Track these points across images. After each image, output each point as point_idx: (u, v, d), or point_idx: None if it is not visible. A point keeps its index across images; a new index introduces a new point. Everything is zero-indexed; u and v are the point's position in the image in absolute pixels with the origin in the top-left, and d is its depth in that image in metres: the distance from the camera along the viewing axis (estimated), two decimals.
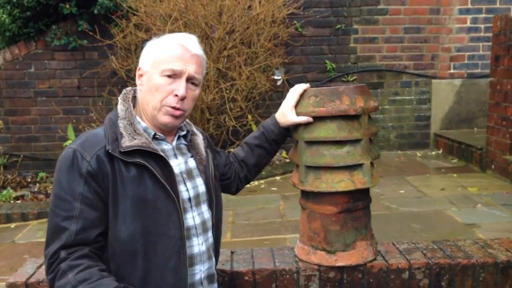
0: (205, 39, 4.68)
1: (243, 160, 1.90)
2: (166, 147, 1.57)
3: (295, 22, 5.54)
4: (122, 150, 1.42)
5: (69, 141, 4.64)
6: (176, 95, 1.48)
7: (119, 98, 1.57)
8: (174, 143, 1.60)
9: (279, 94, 5.57)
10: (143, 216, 1.42)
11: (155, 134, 1.54)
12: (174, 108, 1.50)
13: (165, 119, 1.51)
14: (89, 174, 1.39)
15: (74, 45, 5.23)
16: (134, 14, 4.83)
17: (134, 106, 1.57)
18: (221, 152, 1.89)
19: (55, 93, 5.43)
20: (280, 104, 1.89)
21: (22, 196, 4.58)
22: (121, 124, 1.48)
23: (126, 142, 1.43)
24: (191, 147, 1.65)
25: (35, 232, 3.70)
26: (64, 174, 1.40)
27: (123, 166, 1.42)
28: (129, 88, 1.61)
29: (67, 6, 4.99)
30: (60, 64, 5.40)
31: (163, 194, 1.45)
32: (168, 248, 1.46)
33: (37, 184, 5.05)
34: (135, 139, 1.45)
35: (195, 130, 1.71)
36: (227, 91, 4.81)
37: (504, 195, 3.88)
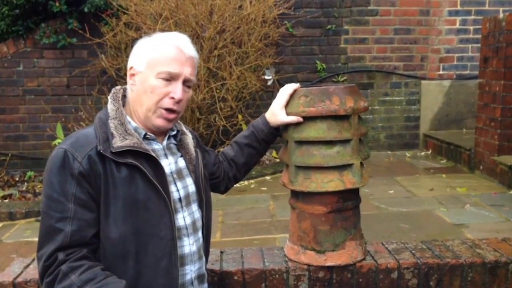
0: (195, 39, 4.67)
1: (232, 159, 1.90)
2: (156, 147, 1.56)
3: (286, 22, 5.55)
4: (113, 151, 1.40)
5: (58, 140, 4.60)
6: (173, 98, 1.47)
7: (108, 97, 1.55)
8: (165, 142, 1.59)
9: (270, 94, 5.57)
10: (134, 217, 1.42)
11: (145, 134, 1.53)
12: (169, 110, 1.49)
13: (158, 122, 1.50)
14: (81, 175, 1.38)
15: (64, 44, 5.19)
16: (124, 13, 4.80)
17: (123, 105, 1.55)
18: (210, 151, 1.89)
19: (44, 92, 5.38)
20: (270, 104, 1.88)
21: (9, 195, 4.53)
22: (112, 124, 1.46)
23: (118, 143, 1.42)
24: (181, 147, 1.65)
25: (22, 232, 3.67)
26: (56, 175, 1.38)
27: (114, 166, 1.41)
28: (118, 87, 1.59)
29: (57, 4, 4.96)
30: (49, 62, 5.35)
31: (155, 195, 1.44)
32: (160, 249, 1.45)
33: (25, 183, 5.00)
34: (126, 139, 1.43)
35: (184, 129, 1.70)
36: (218, 91, 4.81)
37: (492, 196, 3.91)
